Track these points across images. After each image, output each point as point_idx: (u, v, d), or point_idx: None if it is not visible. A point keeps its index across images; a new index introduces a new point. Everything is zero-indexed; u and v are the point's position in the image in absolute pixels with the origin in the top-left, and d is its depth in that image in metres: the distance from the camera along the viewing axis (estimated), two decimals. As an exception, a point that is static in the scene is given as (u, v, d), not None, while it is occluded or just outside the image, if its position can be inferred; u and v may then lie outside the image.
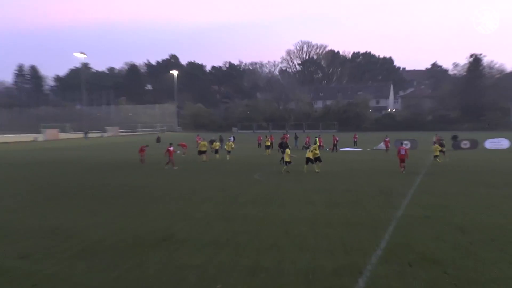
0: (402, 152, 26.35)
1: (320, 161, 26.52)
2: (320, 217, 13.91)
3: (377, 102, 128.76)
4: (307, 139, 49.64)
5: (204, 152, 35.73)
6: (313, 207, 15.55)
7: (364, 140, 61.72)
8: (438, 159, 30.43)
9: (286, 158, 26.65)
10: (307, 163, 26.23)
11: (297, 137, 54.00)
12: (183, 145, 40.78)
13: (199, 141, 40.14)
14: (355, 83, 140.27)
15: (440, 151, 31.41)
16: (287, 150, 27.57)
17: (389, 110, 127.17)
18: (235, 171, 27.83)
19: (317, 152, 26.78)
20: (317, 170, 25.83)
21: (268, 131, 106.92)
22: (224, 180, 23.32)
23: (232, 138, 51.25)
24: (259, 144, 52.14)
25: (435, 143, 32.05)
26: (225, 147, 37.52)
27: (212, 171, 28.06)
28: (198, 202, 16.81)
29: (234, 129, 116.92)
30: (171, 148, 30.29)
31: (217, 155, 36.73)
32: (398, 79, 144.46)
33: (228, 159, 35.05)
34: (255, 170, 28.11)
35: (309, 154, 26.41)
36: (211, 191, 19.36)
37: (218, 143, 38.02)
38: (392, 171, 26.16)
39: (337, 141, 45.88)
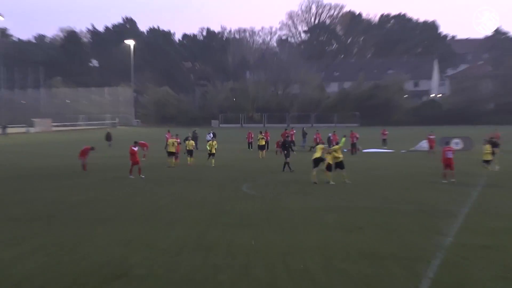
0: (449, 155, 26.47)
1: (342, 167, 26.61)
2: (335, 246, 13.92)
3: (416, 85, 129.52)
4: (316, 136, 49.69)
5: (172, 154, 35.61)
6: (325, 231, 15.56)
7: (397, 137, 61.96)
8: (487, 166, 29.88)
9: (317, 155, 26.70)
10: (328, 169, 26.37)
11: (306, 133, 54.05)
12: (143, 145, 40.74)
13: (169, 139, 40.11)
14: (384, 58, 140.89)
15: (493, 153, 30.47)
16: (320, 145, 27.66)
17: (433, 95, 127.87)
18: (217, 180, 27.73)
19: (340, 155, 26.82)
20: (331, 182, 25.98)
21: (262, 125, 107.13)
22: (201, 193, 23.26)
23: (211, 135, 51.08)
24: (250, 144, 52.15)
25: (487, 142, 31.52)
26: (207, 147, 37.44)
27: (184, 180, 27.92)
28: (165, 224, 16.75)
29: (214, 122, 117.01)
30: (135, 148, 30.23)
31: (191, 159, 36.64)
32: (445, 52, 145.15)
33: (212, 165, 35.09)
34: (244, 179, 28.05)
35: (329, 158, 26.49)
36: (183, 209, 19.31)
37: (192, 142, 37.93)
38: (437, 182, 26.28)
39: (356, 138, 46.06)
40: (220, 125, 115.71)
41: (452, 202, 20.51)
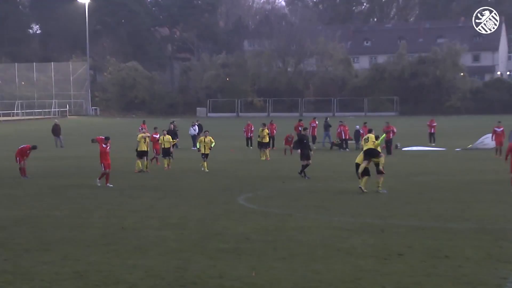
0: (519, 152, 26.56)
1: (381, 172, 26.70)
2: (365, 278, 13.91)
3: (476, 59, 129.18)
4: (341, 129, 49.76)
5: (144, 154, 35.59)
6: (352, 259, 15.56)
7: (449, 131, 61.86)
8: None
9: (370, 145, 26.74)
10: (362, 174, 26.62)
11: (330, 125, 54.15)
12: (101, 141, 40.79)
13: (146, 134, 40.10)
14: (433, 22, 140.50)
15: None
16: (372, 135, 27.60)
17: (500, 73, 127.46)
18: (203, 190, 27.74)
19: (378, 158, 26.90)
20: (364, 189, 26.23)
21: (266, 114, 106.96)
22: (182, 208, 23.29)
23: (195, 128, 51.19)
24: (249, 140, 52.11)
25: None
26: (198, 145, 37.22)
27: (159, 191, 27.94)
28: (132, 250, 16.74)
29: (200, 110, 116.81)
30: (108, 147, 30.06)
31: (168, 160, 36.65)
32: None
33: (205, 169, 35.21)
34: (240, 189, 28.09)
35: (366, 144, 26.72)
36: (157, 230, 19.31)
37: (168, 137, 37.87)
38: (505, 191, 26.29)
39: (394, 133, 46.03)
40: (209, 114, 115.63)
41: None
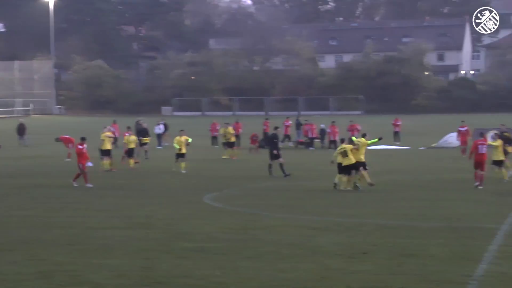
0: (483, 150, 26.73)
1: (364, 168, 27.10)
2: (331, 277, 13.93)
3: (440, 58, 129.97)
4: (307, 127, 50.09)
5: (108, 153, 35.43)
6: (318, 258, 15.60)
7: (414, 129, 62.21)
8: (502, 170, 29.13)
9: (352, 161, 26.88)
10: (341, 171, 26.99)
11: (301, 124, 54.80)
12: (67, 140, 40.53)
13: (111, 134, 39.72)
14: (399, 21, 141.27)
15: (506, 153, 29.56)
16: (347, 145, 27.68)
17: (464, 72, 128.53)
18: (169, 190, 27.67)
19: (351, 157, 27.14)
20: (356, 187, 26.87)
21: (231, 113, 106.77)
22: (148, 207, 23.25)
23: (161, 127, 51.12)
24: (214, 138, 52.11)
25: (497, 136, 30.81)
26: (174, 144, 36.75)
27: (124, 190, 27.81)
28: (97, 250, 16.63)
29: (165, 109, 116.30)
30: (84, 148, 29.65)
31: (131, 160, 36.51)
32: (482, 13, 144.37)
33: (183, 170, 34.96)
34: (206, 188, 28.08)
35: (345, 158, 27.05)
36: (122, 230, 19.24)
37: (133, 137, 37.82)
38: (469, 188, 26.62)
39: (357, 131, 46.40)
40: (174, 112, 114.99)
41: (490, 217, 20.78)
